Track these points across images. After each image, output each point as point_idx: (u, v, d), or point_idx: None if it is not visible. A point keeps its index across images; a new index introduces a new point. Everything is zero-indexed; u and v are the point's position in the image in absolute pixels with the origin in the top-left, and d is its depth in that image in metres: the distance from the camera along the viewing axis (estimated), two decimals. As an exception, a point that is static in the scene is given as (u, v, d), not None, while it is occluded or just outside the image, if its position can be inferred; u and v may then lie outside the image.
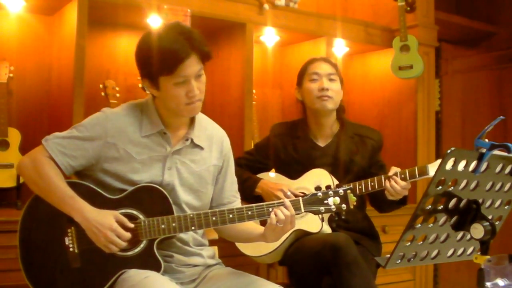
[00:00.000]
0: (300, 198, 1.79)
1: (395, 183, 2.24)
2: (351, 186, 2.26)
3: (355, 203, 1.81)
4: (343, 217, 1.82)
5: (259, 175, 2.53)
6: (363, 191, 2.34)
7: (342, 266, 2.10)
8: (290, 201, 1.78)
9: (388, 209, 2.47)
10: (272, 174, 2.57)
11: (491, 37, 4.52)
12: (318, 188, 1.80)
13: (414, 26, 3.65)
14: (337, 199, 1.78)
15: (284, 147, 2.51)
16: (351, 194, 1.79)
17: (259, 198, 2.45)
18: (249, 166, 2.56)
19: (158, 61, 1.69)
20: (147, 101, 1.87)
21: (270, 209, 1.77)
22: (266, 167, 2.59)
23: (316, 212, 1.79)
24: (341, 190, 1.79)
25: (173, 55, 1.68)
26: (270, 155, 2.55)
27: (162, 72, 1.71)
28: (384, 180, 2.29)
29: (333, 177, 2.34)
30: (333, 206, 1.79)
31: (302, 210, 1.78)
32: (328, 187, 1.80)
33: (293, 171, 2.46)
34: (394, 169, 2.29)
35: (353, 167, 2.45)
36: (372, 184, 2.33)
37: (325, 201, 1.79)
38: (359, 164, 2.46)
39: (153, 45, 1.71)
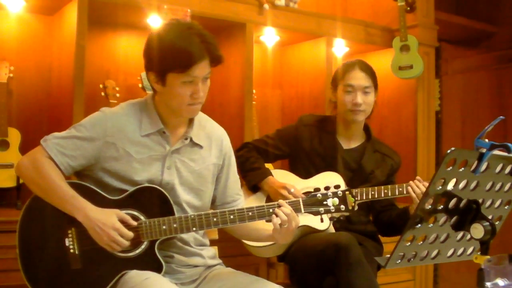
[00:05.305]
0: (300, 199, 1.82)
1: (420, 184, 2.24)
2: (358, 191, 2.29)
3: (353, 204, 1.82)
4: (341, 218, 1.83)
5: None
6: (376, 196, 2.33)
7: (345, 266, 2.09)
8: (290, 202, 1.80)
9: (399, 225, 2.41)
10: (281, 171, 2.56)
11: (491, 37, 4.51)
12: (317, 189, 1.82)
13: (414, 26, 3.65)
14: (336, 200, 1.81)
15: (310, 138, 2.51)
16: (350, 195, 1.81)
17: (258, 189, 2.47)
18: (265, 150, 2.54)
19: (172, 58, 1.70)
20: (146, 100, 1.88)
21: (271, 210, 1.78)
22: (283, 154, 2.58)
23: (315, 213, 1.82)
24: (339, 191, 1.82)
25: (189, 55, 1.69)
26: (292, 143, 2.53)
27: (173, 69, 1.71)
28: (400, 188, 2.30)
29: (344, 183, 2.33)
30: (332, 207, 1.81)
31: (302, 211, 1.81)
32: (327, 188, 1.83)
33: (310, 163, 2.47)
34: (418, 178, 2.30)
35: (372, 179, 2.46)
36: (385, 191, 2.32)
37: (324, 202, 1.81)
38: (378, 178, 2.47)
39: (169, 41, 1.71)
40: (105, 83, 2.97)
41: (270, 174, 2.47)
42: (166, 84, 1.75)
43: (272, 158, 2.61)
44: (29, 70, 2.96)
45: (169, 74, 1.73)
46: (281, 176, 2.49)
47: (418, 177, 2.30)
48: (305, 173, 2.47)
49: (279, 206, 1.78)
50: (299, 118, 2.61)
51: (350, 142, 2.54)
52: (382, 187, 2.33)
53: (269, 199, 2.44)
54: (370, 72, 2.52)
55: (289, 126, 2.62)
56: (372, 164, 2.49)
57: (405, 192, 2.29)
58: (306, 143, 2.51)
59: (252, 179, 2.44)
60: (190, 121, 1.90)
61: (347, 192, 1.82)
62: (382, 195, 2.32)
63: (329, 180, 2.35)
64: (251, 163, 2.43)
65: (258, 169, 2.46)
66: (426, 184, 2.24)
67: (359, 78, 2.47)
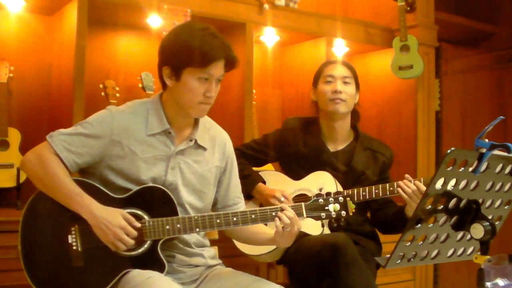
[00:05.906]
0: (303, 204, 1.83)
1: (410, 184, 2.21)
2: (350, 193, 2.29)
3: (354, 210, 1.86)
4: (341, 223, 1.85)
5: (261, 173, 2.52)
6: (367, 197, 2.31)
7: (342, 266, 2.09)
8: (292, 206, 1.81)
9: (396, 224, 2.41)
10: (273, 173, 2.56)
11: (491, 37, 4.51)
12: (319, 195, 1.84)
13: (414, 26, 3.65)
14: (337, 206, 1.85)
15: (294, 140, 2.49)
16: (350, 202, 1.85)
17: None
18: (253, 156, 2.54)
19: (192, 53, 1.72)
20: (153, 100, 1.88)
21: (274, 213, 1.79)
22: (271, 159, 2.58)
23: (317, 218, 1.85)
24: (341, 198, 1.85)
25: (209, 52, 1.73)
26: (278, 148, 2.52)
27: (191, 64, 1.73)
28: (391, 188, 2.27)
29: (337, 182, 2.33)
30: (333, 213, 1.85)
31: (304, 215, 1.83)
32: (328, 193, 1.86)
33: (298, 166, 2.45)
34: (407, 177, 2.27)
35: (363, 180, 2.43)
36: (376, 191, 2.30)
37: (326, 207, 1.85)
38: (370, 178, 2.44)
39: (191, 37, 1.75)
40: (105, 83, 2.96)
41: (260, 180, 2.46)
42: (181, 79, 1.77)
43: (260, 164, 2.60)
44: (29, 70, 2.96)
45: (186, 69, 1.75)
46: (274, 178, 2.49)
47: (406, 175, 2.27)
48: (296, 176, 2.46)
49: (282, 210, 1.79)
50: (284, 121, 2.61)
51: (337, 143, 2.50)
52: (373, 187, 2.31)
53: (261, 206, 2.44)
54: (351, 67, 2.53)
55: (275, 131, 2.61)
56: (363, 164, 2.45)
57: (396, 192, 2.27)
58: (292, 147, 2.49)
59: (242, 189, 2.43)
60: (195, 123, 1.90)
61: (348, 198, 1.85)
62: (373, 195, 2.30)
63: (321, 180, 2.35)
64: (239, 171, 2.42)
65: (247, 176, 2.44)
66: (417, 182, 2.22)
67: (339, 69, 2.48)
